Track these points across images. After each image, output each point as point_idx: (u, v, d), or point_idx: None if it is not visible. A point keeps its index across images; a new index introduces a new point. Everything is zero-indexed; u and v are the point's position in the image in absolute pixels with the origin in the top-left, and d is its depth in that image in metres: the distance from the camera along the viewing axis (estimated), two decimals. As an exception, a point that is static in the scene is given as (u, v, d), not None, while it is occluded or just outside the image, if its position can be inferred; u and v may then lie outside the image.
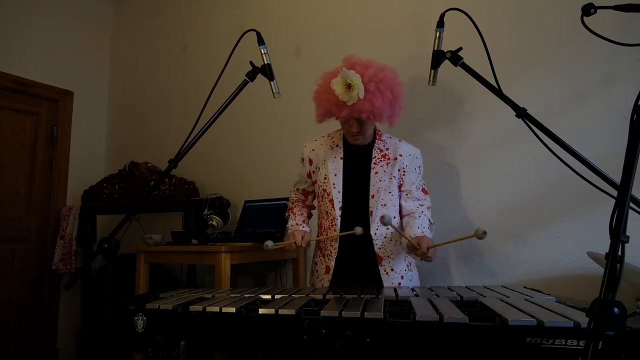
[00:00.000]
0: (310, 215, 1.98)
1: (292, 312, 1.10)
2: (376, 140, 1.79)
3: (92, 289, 3.09)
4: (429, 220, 1.72)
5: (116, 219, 2.60)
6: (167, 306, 1.24)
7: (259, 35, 1.58)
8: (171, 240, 2.52)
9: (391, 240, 1.72)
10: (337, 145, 1.80)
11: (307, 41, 2.71)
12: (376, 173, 1.73)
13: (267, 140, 2.82)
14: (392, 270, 1.71)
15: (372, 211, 1.71)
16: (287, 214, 1.93)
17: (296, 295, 1.36)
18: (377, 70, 1.60)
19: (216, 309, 1.18)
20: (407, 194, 1.76)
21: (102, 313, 1.30)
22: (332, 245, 1.75)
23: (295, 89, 2.65)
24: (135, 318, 1.25)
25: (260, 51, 1.58)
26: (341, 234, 1.68)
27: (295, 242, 1.69)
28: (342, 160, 1.77)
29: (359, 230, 1.58)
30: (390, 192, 1.73)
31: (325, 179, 1.77)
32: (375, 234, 1.70)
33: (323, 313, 1.07)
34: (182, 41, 3.31)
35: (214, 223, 2.59)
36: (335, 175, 1.75)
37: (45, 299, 3.23)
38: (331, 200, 1.74)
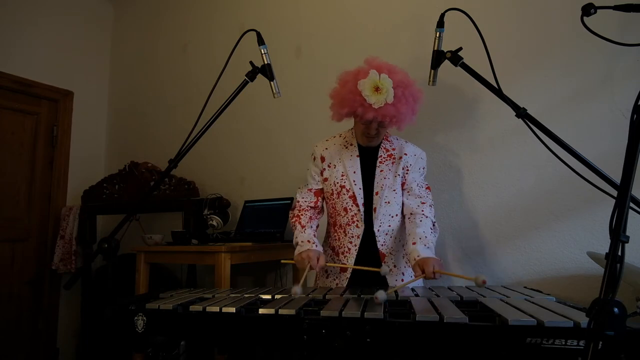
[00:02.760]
0: (317, 225, 1.86)
1: (292, 312, 1.10)
2: (383, 141, 1.80)
3: (92, 289, 3.10)
4: (432, 221, 1.69)
5: (116, 219, 2.60)
6: (167, 306, 1.24)
7: (259, 35, 1.58)
8: (171, 240, 2.52)
9: (392, 237, 1.75)
10: (351, 144, 1.81)
11: (307, 41, 2.71)
12: (381, 171, 1.75)
13: (267, 140, 2.82)
14: (394, 266, 1.74)
15: (375, 208, 1.72)
16: (292, 221, 1.81)
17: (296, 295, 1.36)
18: (404, 77, 1.61)
19: (216, 309, 1.18)
20: (408, 192, 1.77)
21: (102, 313, 1.30)
22: (350, 242, 1.74)
23: (295, 89, 2.65)
24: (135, 318, 1.24)
25: (260, 51, 1.58)
26: (365, 268, 1.62)
27: (310, 266, 1.57)
28: (358, 158, 1.78)
29: (384, 270, 1.55)
30: (394, 190, 1.75)
31: (342, 176, 1.77)
32: (377, 230, 1.72)
33: (323, 313, 1.07)
34: (182, 41, 3.31)
35: (214, 223, 2.60)
36: (354, 172, 1.76)
37: (45, 299, 3.23)
38: (352, 197, 1.74)
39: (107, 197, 3.13)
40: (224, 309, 1.17)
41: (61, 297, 3.32)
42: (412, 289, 1.51)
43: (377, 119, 1.60)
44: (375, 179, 1.75)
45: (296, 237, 1.72)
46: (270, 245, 2.39)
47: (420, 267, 1.50)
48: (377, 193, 1.73)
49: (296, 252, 1.67)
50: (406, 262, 1.78)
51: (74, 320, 3.27)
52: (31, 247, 3.19)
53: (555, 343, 0.90)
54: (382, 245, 1.73)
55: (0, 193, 3.04)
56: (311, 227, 1.76)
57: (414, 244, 1.60)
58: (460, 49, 1.46)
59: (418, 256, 1.54)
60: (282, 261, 1.78)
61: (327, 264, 1.69)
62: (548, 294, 1.34)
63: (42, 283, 3.22)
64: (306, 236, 1.69)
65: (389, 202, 1.74)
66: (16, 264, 3.10)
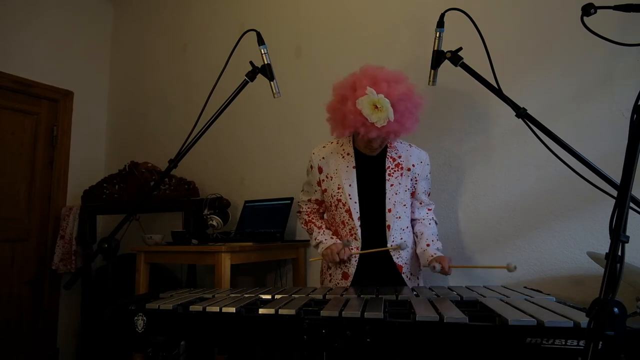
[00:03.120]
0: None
1: (292, 312, 1.10)
2: (388, 148, 1.76)
3: (92, 289, 3.09)
4: (435, 222, 1.86)
5: (116, 219, 2.60)
6: (167, 306, 1.24)
7: (259, 35, 1.58)
8: (171, 240, 2.52)
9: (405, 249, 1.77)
10: (348, 154, 1.76)
11: (307, 41, 2.71)
12: (392, 186, 1.72)
13: (267, 140, 2.82)
14: (412, 274, 1.78)
15: (389, 225, 1.72)
16: (308, 227, 1.87)
17: (296, 295, 1.36)
18: (404, 87, 1.56)
19: (216, 309, 1.18)
20: (420, 203, 1.83)
21: (102, 313, 1.30)
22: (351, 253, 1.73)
23: (295, 89, 2.65)
24: (135, 318, 1.24)
25: (260, 51, 1.58)
26: (387, 248, 1.71)
27: (338, 256, 1.66)
28: (355, 170, 1.74)
29: (404, 245, 1.69)
30: (404, 205, 1.75)
31: (339, 188, 1.73)
32: (391, 245, 1.72)
33: (323, 313, 1.07)
34: (182, 41, 3.31)
35: (214, 223, 2.60)
36: (350, 185, 1.72)
37: (45, 299, 3.23)
38: (348, 211, 1.72)
39: (107, 197, 3.12)
40: (224, 309, 1.17)
41: (61, 297, 3.32)
42: (412, 289, 1.51)
43: (380, 136, 1.58)
44: (387, 195, 1.71)
45: (316, 238, 1.80)
46: (270, 245, 2.39)
47: (438, 262, 1.63)
48: (389, 210, 1.71)
49: (321, 248, 1.76)
50: (419, 267, 1.81)
51: (74, 320, 3.27)
52: (31, 247, 3.19)
53: (555, 343, 0.90)
54: (398, 258, 1.74)
55: (0, 193, 3.04)
56: (327, 227, 1.85)
57: (428, 245, 1.74)
58: (460, 49, 1.46)
59: (435, 254, 1.70)
60: (311, 259, 1.85)
61: (352, 252, 1.72)
62: (548, 294, 1.34)
63: (42, 283, 3.22)
64: (327, 233, 1.80)
65: (400, 217, 1.74)
66: (16, 264, 3.10)
